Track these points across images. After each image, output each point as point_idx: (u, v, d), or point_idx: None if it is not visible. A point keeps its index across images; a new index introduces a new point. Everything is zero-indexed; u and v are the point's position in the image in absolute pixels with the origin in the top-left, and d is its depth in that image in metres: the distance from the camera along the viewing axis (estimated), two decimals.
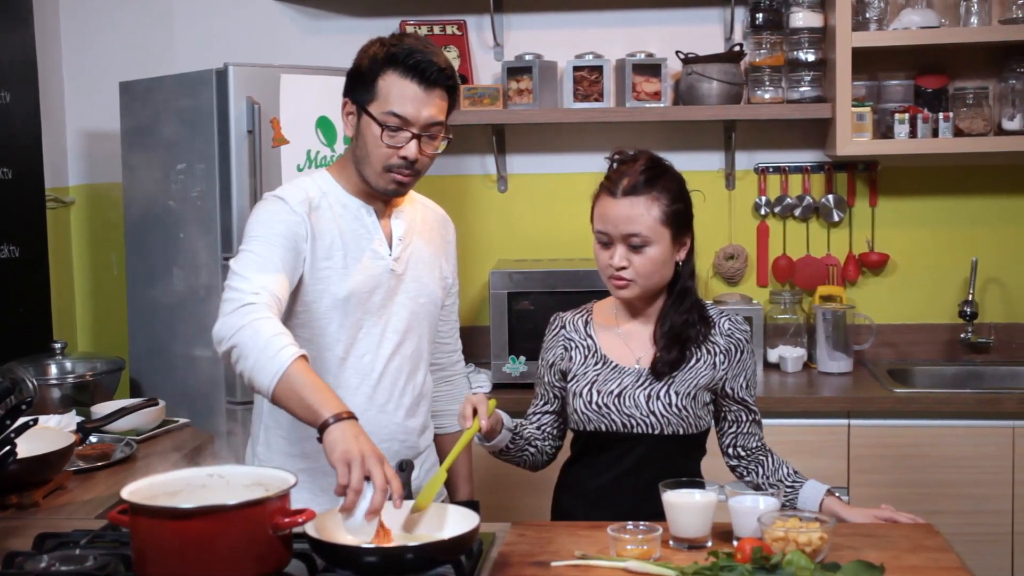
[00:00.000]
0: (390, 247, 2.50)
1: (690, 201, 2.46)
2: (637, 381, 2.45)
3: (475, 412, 2.27)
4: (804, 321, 4.21)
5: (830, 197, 4.26)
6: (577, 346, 2.53)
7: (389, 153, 2.38)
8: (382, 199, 2.50)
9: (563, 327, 2.56)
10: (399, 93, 2.36)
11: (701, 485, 2.22)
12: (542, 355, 2.59)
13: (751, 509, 2.18)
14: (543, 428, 2.58)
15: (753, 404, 2.53)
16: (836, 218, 4.26)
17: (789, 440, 3.55)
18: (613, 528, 2.13)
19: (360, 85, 2.40)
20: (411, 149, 2.38)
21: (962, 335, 4.21)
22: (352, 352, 2.46)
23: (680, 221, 2.42)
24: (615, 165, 2.46)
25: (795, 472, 2.51)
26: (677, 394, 2.43)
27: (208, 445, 3.35)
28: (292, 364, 2.12)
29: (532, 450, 2.53)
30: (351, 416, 2.08)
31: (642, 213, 2.38)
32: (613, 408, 2.44)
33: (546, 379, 2.57)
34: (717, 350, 2.48)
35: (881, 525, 2.34)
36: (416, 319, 2.55)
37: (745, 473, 2.54)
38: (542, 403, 2.59)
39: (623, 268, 2.40)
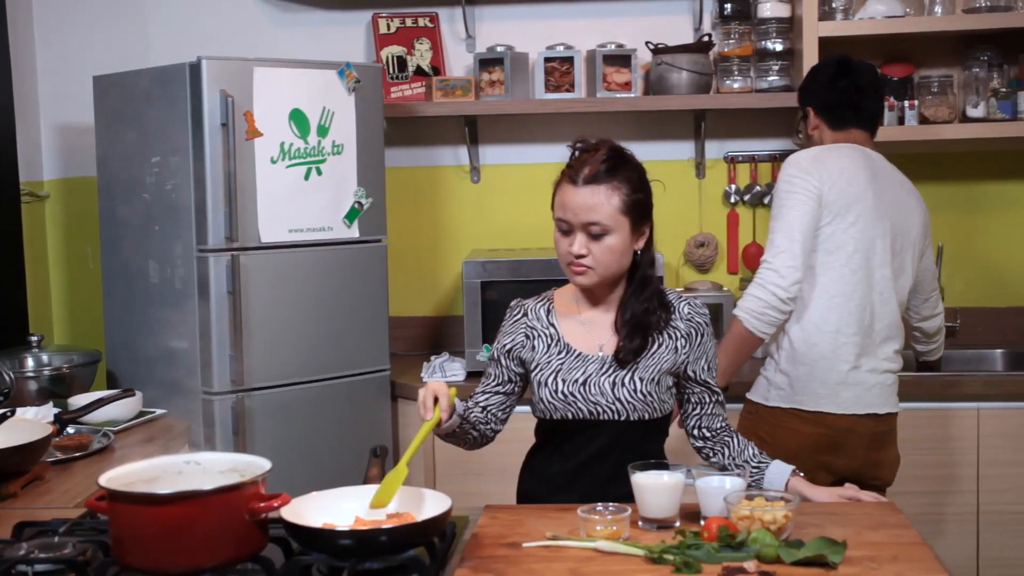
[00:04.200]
0: None
1: (650, 191, 2.48)
2: (601, 368, 2.47)
3: (435, 402, 2.28)
4: None
5: None
6: (540, 335, 2.53)
7: None
8: None
9: (525, 314, 2.57)
10: None
11: (668, 466, 2.27)
12: (500, 338, 2.58)
13: (718, 489, 2.22)
14: (489, 409, 2.56)
15: (715, 385, 2.56)
16: None
17: None
18: (583, 509, 2.18)
19: None
20: None
21: None
22: None
23: (640, 211, 2.44)
24: (577, 153, 2.47)
25: (760, 452, 2.54)
26: (641, 380, 2.45)
27: (185, 435, 3.38)
28: None
29: (475, 434, 2.52)
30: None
31: (602, 202, 2.39)
32: (579, 396, 2.46)
33: (503, 362, 2.56)
34: (678, 334, 2.50)
35: (844, 503, 2.40)
36: None
37: (711, 454, 2.57)
38: (495, 383, 2.58)
39: (582, 256, 2.42)
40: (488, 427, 2.55)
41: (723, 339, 3.12)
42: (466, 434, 2.49)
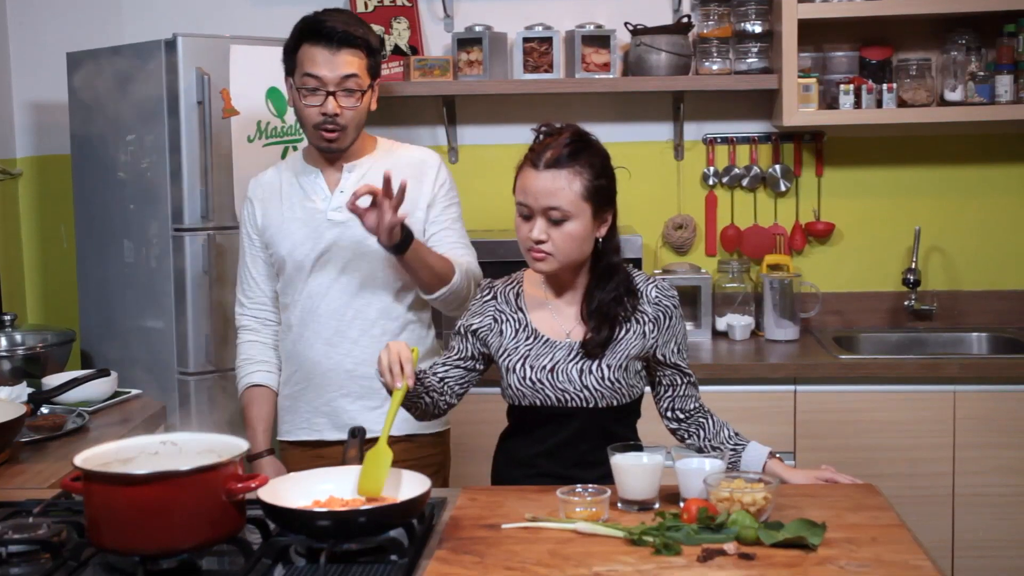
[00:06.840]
0: None
1: (614, 177, 2.44)
2: (569, 355, 2.44)
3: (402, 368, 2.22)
4: (752, 290, 4.27)
5: (777, 167, 4.31)
6: (508, 319, 2.50)
7: (312, 112, 2.73)
8: (328, 159, 2.84)
9: (494, 297, 2.54)
10: (311, 59, 2.71)
11: (646, 448, 2.26)
12: (467, 316, 2.54)
13: (697, 471, 2.22)
14: (447, 381, 2.51)
15: (687, 367, 2.54)
16: (783, 188, 4.32)
17: (737, 406, 3.61)
18: (563, 491, 2.17)
19: (286, 60, 2.81)
20: (328, 106, 2.70)
21: (905, 302, 4.28)
22: (311, 297, 2.84)
23: (602, 197, 2.39)
24: (541, 137, 2.43)
25: (736, 434, 2.53)
26: (609, 367, 2.42)
27: (160, 415, 3.36)
28: (245, 392, 2.89)
29: (428, 400, 2.45)
30: (271, 453, 2.86)
31: (563, 187, 2.35)
32: (547, 383, 2.43)
33: (469, 339, 2.52)
34: (646, 319, 2.47)
35: (823, 486, 2.40)
36: (363, 260, 2.80)
37: (687, 436, 2.55)
38: (456, 356, 2.53)
39: (542, 242, 2.37)
40: (442, 399, 2.49)
41: None
42: (418, 398, 2.42)
